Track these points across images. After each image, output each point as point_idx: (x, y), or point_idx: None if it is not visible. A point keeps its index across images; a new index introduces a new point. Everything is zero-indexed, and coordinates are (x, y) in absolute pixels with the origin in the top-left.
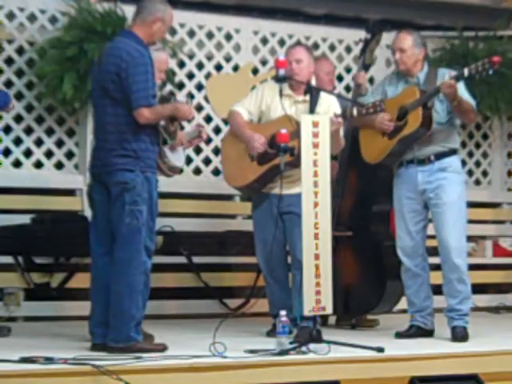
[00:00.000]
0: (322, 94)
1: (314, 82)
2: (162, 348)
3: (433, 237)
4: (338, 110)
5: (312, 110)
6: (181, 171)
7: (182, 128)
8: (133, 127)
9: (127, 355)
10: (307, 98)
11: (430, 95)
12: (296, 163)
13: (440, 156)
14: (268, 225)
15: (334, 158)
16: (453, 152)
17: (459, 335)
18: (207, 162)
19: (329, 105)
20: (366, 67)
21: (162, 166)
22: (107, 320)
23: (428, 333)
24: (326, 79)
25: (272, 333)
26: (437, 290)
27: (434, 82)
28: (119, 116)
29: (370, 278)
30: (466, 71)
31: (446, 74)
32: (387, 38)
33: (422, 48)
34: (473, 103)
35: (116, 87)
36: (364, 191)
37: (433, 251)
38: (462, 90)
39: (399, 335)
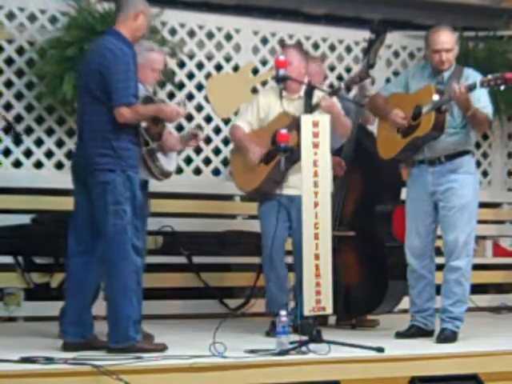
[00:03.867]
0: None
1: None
2: (162, 348)
3: (438, 237)
4: None
5: (309, 105)
6: (181, 171)
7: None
8: (114, 126)
9: (127, 355)
10: (302, 94)
11: (443, 102)
12: (294, 158)
13: (451, 157)
14: (273, 219)
15: (336, 154)
16: (464, 152)
17: (443, 337)
18: (207, 161)
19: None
20: (370, 67)
21: (154, 170)
22: (81, 319)
23: (428, 333)
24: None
25: (272, 332)
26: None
27: (457, 82)
28: (101, 114)
29: (372, 278)
30: (478, 83)
31: (469, 77)
32: (388, 38)
33: (458, 45)
34: (489, 111)
35: (98, 86)
36: (367, 191)
37: (438, 251)
38: (478, 96)
39: (399, 335)
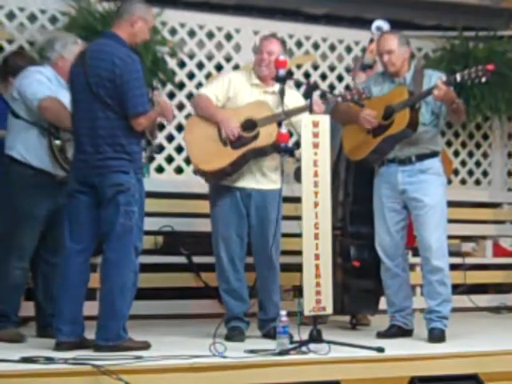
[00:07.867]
0: (287, 86)
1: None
2: (146, 346)
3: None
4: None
5: (283, 103)
6: (181, 171)
7: None
8: (125, 131)
9: (116, 354)
10: (276, 89)
11: (421, 97)
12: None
13: (421, 157)
14: (231, 221)
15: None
16: (434, 154)
17: (436, 336)
18: None
19: (296, 100)
20: (368, 67)
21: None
22: (76, 318)
23: (408, 332)
24: None
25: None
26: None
27: (421, 83)
28: (111, 120)
29: (371, 277)
30: (458, 76)
31: (432, 76)
32: None
33: (407, 47)
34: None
35: (108, 93)
36: (365, 192)
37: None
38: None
39: (380, 335)
